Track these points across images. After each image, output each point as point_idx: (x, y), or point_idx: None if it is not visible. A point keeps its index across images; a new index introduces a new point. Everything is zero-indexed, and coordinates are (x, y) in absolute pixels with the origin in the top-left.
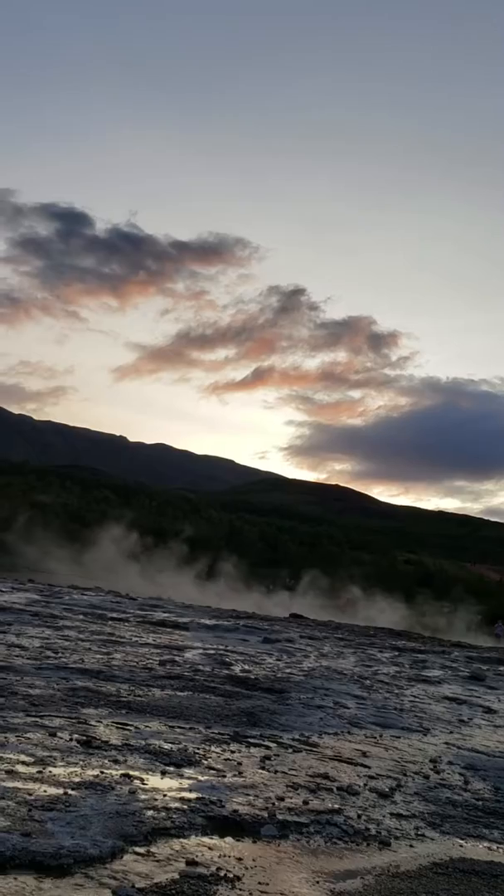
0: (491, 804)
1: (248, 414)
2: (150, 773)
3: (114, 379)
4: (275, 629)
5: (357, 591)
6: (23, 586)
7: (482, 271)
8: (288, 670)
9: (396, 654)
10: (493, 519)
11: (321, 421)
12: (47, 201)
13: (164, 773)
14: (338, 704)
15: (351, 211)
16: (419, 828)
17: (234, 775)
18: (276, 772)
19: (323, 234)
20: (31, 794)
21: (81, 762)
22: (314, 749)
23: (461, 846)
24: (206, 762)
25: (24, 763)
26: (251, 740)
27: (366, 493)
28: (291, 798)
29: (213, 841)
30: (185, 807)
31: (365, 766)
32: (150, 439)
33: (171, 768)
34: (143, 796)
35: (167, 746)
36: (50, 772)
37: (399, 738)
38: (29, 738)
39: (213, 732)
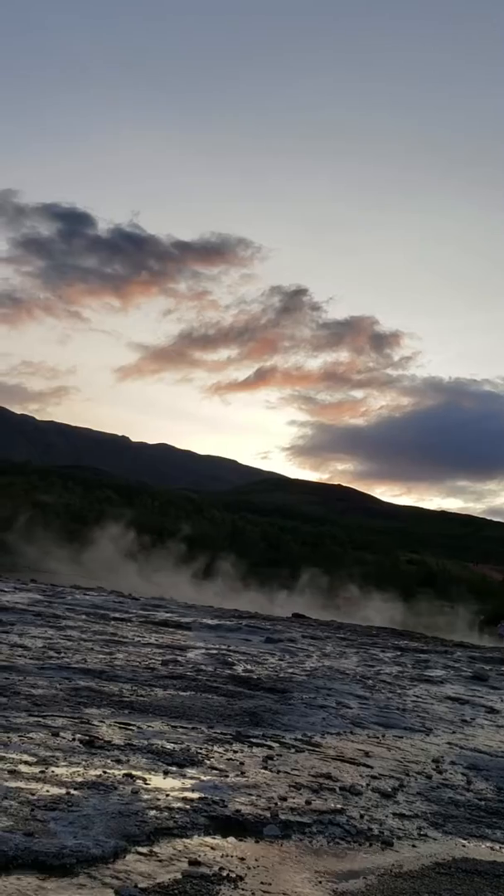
0: (494, 804)
1: (250, 414)
2: (153, 772)
3: (116, 379)
4: (277, 629)
5: (358, 591)
6: (25, 586)
7: (484, 271)
8: (290, 670)
9: (399, 653)
10: (495, 519)
11: (323, 421)
12: (49, 201)
13: (166, 773)
14: (340, 704)
15: (352, 211)
16: (422, 828)
17: (237, 775)
18: (278, 772)
19: (325, 234)
20: (33, 794)
21: (84, 762)
22: (317, 749)
23: (464, 846)
24: (208, 762)
25: (26, 763)
26: (254, 740)
27: (368, 493)
28: (294, 798)
29: (216, 841)
30: (188, 807)
31: (367, 766)
32: (152, 439)
33: (174, 768)
34: (145, 796)
35: (170, 746)
36: (52, 772)
37: (402, 738)
38: (32, 738)
39: (215, 732)
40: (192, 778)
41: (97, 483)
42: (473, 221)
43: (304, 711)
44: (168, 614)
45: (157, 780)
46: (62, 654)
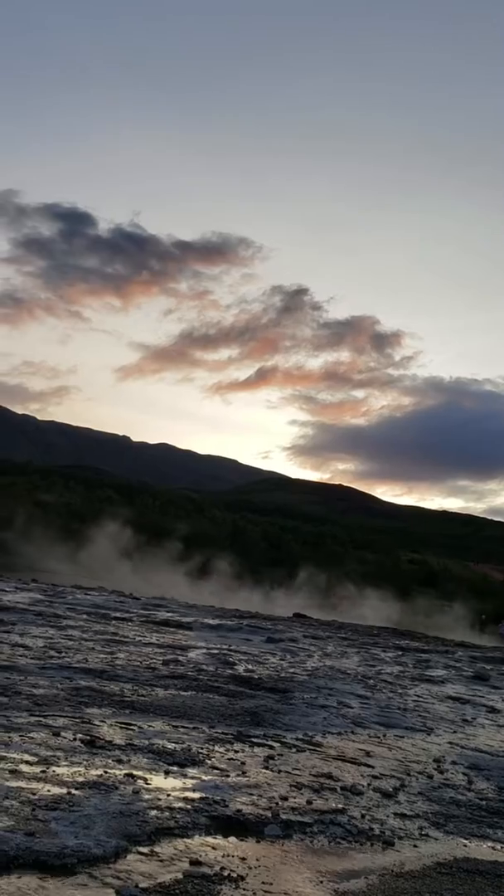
0: (495, 804)
1: (251, 414)
2: (154, 772)
3: (117, 379)
4: (278, 629)
5: (358, 591)
6: (26, 586)
7: (484, 271)
8: (291, 670)
9: (400, 653)
10: (496, 518)
11: (324, 421)
12: (50, 201)
13: (167, 773)
14: (341, 704)
15: (352, 211)
16: (423, 828)
17: (238, 775)
18: (279, 771)
19: (325, 233)
20: (34, 794)
21: (85, 762)
22: (318, 749)
23: (465, 846)
24: (209, 762)
25: (27, 763)
26: (255, 740)
27: (369, 492)
28: (295, 798)
29: (217, 841)
30: (189, 806)
31: (369, 766)
32: (153, 439)
33: (175, 768)
34: (146, 796)
35: (171, 746)
36: (53, 771)
37: (403, 737)
38: (32, 738)
39: (216, 732)
40: (193, 778)
41: (98, 483)
42: (473, 221)
43: (306, 711)
44: (169, 614)
45: (158, 780)
46: (63, 654)
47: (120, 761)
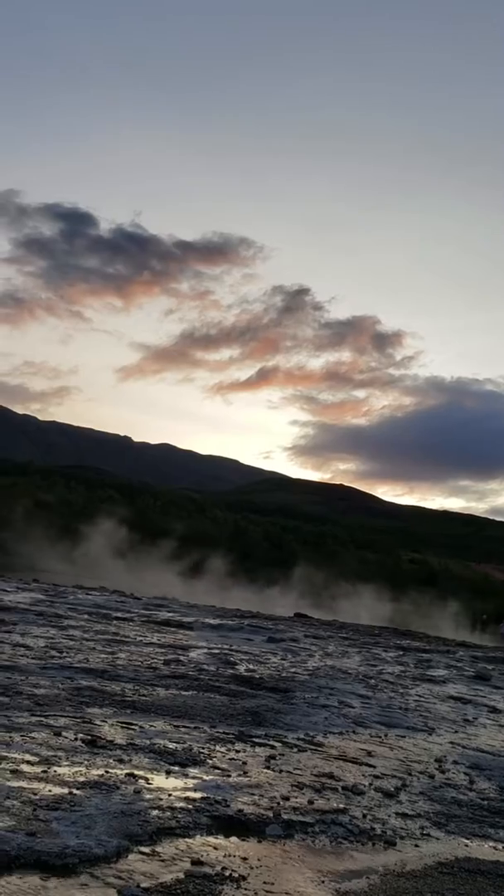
0: (496, 804)
1: (252, 414)
2: (155, 772)
3: (118, 379)
4: (279, 629)
5: (359, 591)
6: (27, 586)
7: (485, 270)
8: (293, 669)
9: (401, 653)
10: (497, 518)
11: (325, 421)
12: (51, 202)
13: (168, 773)
14: (343, 704)
15: (352, 211)
16: (424, 827)
17: (239, 775)
18: (280, 771)
19: (326, 233)
20: (35, 794)
21: (86, 762)
22: (319, 748)
23: (467, 846)
24: (210, 762)
25: (28, 762)
26: (256, 740)
27: (370, 492)
28: (296, 798)
29: (219, 840)
30: (190, 806)
31: (370, 766)
32: (154, 439)
33: (176, 768)
34: (148, 796)
35: (172, 746)
36: (55, 771)
37: (404, 737)
38: (34, 738)
39: (217, 732)
40: (194, 777)
41: (99, 483)
42: (473, 221)
43: (307, 711)
44: (170, 614)
45: (159, 780)
46: (64, 654)
47: (121, 761)
